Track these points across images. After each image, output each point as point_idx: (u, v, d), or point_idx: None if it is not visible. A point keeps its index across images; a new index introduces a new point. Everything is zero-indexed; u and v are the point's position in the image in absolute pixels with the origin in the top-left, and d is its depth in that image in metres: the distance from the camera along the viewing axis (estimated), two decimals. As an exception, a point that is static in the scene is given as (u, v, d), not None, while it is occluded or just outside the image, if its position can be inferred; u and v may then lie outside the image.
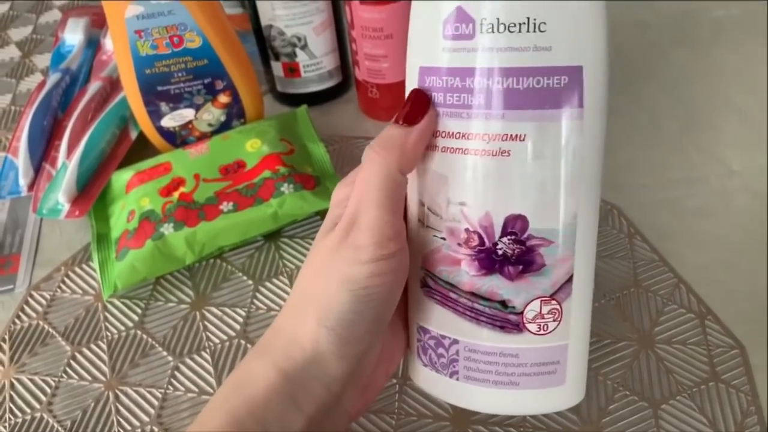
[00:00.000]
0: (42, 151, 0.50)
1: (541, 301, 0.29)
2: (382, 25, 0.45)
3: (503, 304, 0.29)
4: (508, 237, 0.28)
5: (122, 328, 0.40)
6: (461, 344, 0.30)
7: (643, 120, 0.49)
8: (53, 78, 0.55)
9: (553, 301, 0.29)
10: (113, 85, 0.54)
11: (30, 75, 0.61)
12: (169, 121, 0.47)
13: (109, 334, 0.40)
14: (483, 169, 0.27)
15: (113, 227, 0.44)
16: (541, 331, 0.29)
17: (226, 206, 0.42)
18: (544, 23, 0.24)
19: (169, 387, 0.37)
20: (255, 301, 0.41)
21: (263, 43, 0.49)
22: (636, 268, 0.40)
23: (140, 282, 0.41)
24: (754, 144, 0.47)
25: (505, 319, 0.29)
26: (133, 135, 0.49)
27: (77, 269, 0.44)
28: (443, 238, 0.29)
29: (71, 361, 0.39)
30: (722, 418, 0.33)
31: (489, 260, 0.28)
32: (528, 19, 0.24)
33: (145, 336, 0.39)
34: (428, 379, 0.31)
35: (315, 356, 0.26)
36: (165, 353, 0.39)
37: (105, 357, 0.39)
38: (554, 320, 0.29)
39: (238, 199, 0.42)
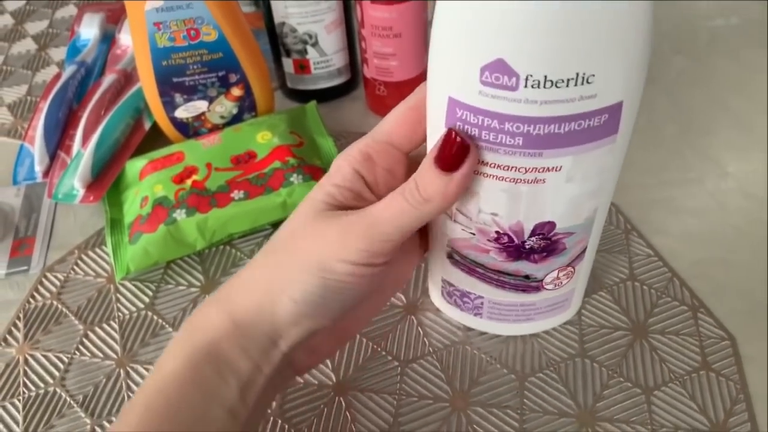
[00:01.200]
0: (57, 140, 0.52)
1: (559, 270, 0.33)
2: (392, 24, 0.46)
3: (527, 277, 0.33)
4: (537, 236, 0.31)
5: (133, 309, 0.41)
6: (485, 299, 0.35)
7: (642, 122, 0.51)
8: (69, 70, 0.57)
9: (569, 268, 0.33)
10: (127, 77, 0.56)
11: (46, 67, 0.63)
12: (183, 113, 0.48)
13: (120, 314, 0.41)
14: (516, 191, 0.28)
15: (127, 213, 0.45)
16: (556, 288, 0.35)
17: (237, 194, 0.43)
18: (593, 75, 0.24)
19: (179, 365, 0.38)
20: (263, 286, 0.42)
21: (275, 40, 0.51)
22: (632, 263, 0.41)
23: (152, 265, 0.43)
24: (749, 147, 0.48)
25: (527, 286, 0.34)
26: (147, 125, 0.51)
27: (90, 252, 0.45)
28: (472, 234, 0.31)
29: (84, 339, 0.40)
30: (712, 405, 0.34)
31: (517, 252, 0.31)
32: (577, 74, 0.24)
33: (155, 317, 0.41)
34: (452, 312, 0.38)
35: (271, 317, 0.27)
36: (174, 333, 0.40)
37: (117, 336, 0.40)
38: (567, 278, 0.34)
39: (249, 188, 0.44)
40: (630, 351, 0.37)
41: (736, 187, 0.45)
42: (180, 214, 0.42)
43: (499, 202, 0.29)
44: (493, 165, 0.27)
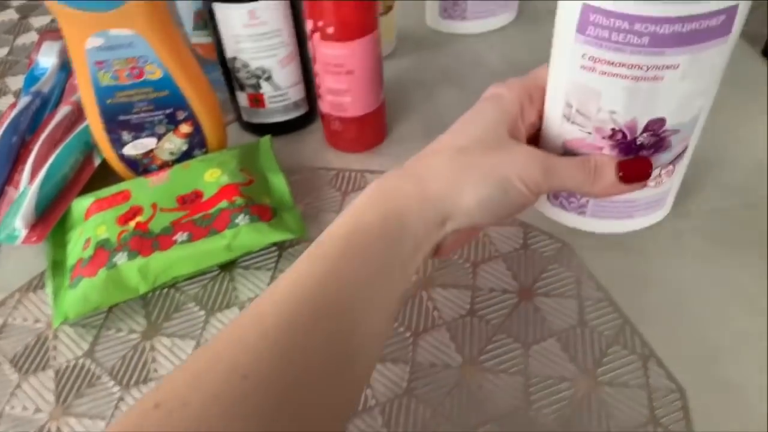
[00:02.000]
0: (7, 174, 0.50)
1: (661, 168, 0.37)
2: (343, 62, 0.46)
3: None
4: (648, 133, 0.35)
5: (71, 356, 0.40)
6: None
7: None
8: (23, 101, 0.56)
9: (670, 166, 0.38)
10: (81, 110, 0.55)
11: (2, 97, 0.62)
12: (131, 150, 0.47)
13: (57, 363, 0.40)
14: (636, 89, 0.33)
15: (69, 254, 0.44)
16: (657, 185, 0.39)
17: (180, 236, 0.42)
18: None
19: (113, 418, 0.37)
20: (205, 332, 0.41)
21: (229, 74, 0.50)
22: (583, 307, 0.40)
23: (92, 311, 0.41)
24: (707, 187, 0.47)
25: None
26: (97, 162, 0.50)
27: (32, 295, 0.44)
28: (589, 133, 0.36)
29: (16, 391, 0.39)
30: (658, 462, 0.33)
31: (628, 148, 0.36)
32: None
33: (93, 365, 0.39)
34: (555, 213, 0.42)
35: (452, 202, 0.32)
36: (112, 383, 0.39)
37: (52, 386, 0.39)
38: (668, 176, 0.38)
39: (193, 230, 0.43)
40: (577, 404, 0.36)
41: (694, 227, 0.45)
42: (121, 258, 0.41)
43: (619, 100, 0.33)
44: (618, 64, 0.32)
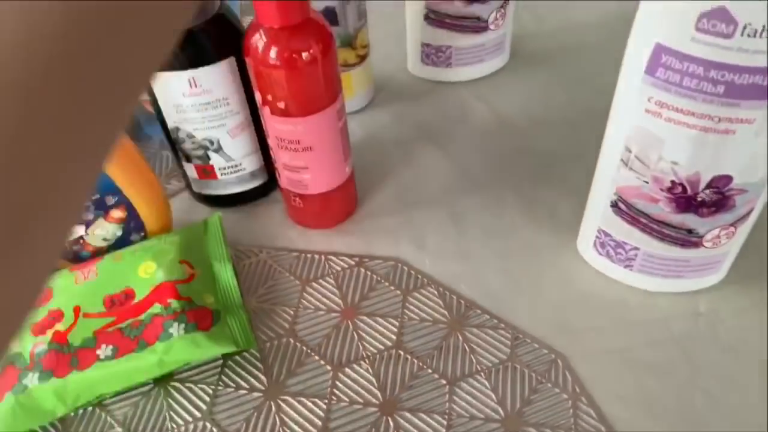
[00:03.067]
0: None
1: (721, 228, 0.35)
2: (300, 138, 0.39)
3: (689, 231, 0.35)
4: (711, 189, 0.32)
5: (-30, 500, 0.34)
6: (641, 251, 0.37)
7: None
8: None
9: (731, 227, 0.35)
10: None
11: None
12: (56, 237, 0.41)
13: (-47, 508, 0.34)
14: (704, 141, 0.30)
15: (-22, 367, 0.38)
16: (714, 246, 0.36)
17: (103, 351, 0.36)
18: None
19: None
20: (131, 468, 0.35)
21: (173, 143, 0.44)
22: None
23: (-1, 440, 0.35)
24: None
25: (687, 240, 0.36)
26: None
27: (-65, 413, 0.38)
28: (646, 182, 0.34)
29: None
30: None
31: (687, 204, 0.34)
32: None
33: None
34: (601, 264, 0.40)
35: None
36: None
37: None
38: (727, 238, 0.36)
39: (119, 342, 0.36)
40: None
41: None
42: (32, 380, 0.35)
43: (683, 151, 0.31)
44: (687, 112, 0.30)
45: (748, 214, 0.35)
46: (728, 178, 0.32)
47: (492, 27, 0.54)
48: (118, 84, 0.15)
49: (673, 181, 0.33)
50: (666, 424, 0.34)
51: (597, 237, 0.39)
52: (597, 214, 0.39)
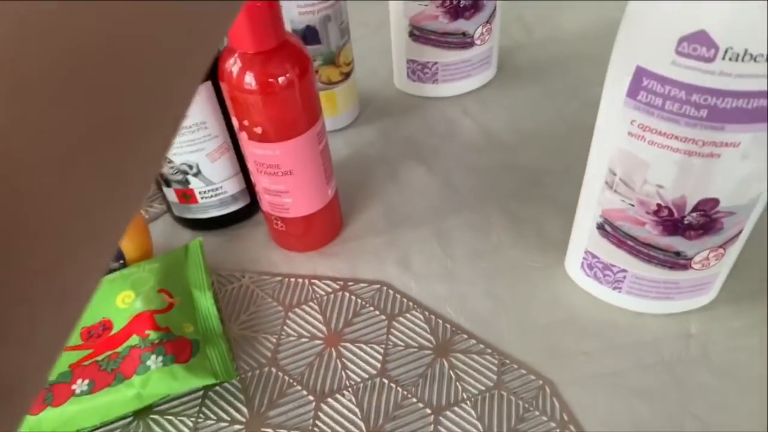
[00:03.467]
0: None
1: (710, 250, 0.34)
2: (279, 162, 0.38)
3: (677, 254, 0.34)
4: (698, 212, 0.32)
5: None
6: (629, 273, 0.36)
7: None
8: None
9: (720, 249, 0.34)
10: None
11: None
12: (33, 266, 0.40)
13: None
14: (689, 165, 0.30)
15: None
16: (703, 268, 0.35)
17: (79, 386, 0.35)
18: None
19: None
20: (108, 506, 0.34)
21: (153, 168, 0.43)
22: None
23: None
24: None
25: (675, 263, 0.35)
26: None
27: None
28: (631, 205, 0.33)
29: None
30: None
31: (674, 227, 0.33)
32: None
33: None
34: (589, 285, 0.40)
35: None
36: None
37: None
38: (717, 260, 0.35)
39: (96, 375, 0.35)
40: None
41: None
42: (5, 417, 0.34)
43: (668, 174, 0.31)
44: (670, 136, 0.29)
45: (737, 235, 0.34)
46: (715, 201, 0.31)
47: (478, 42, 0.53)
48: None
49: (659, 204, 0.32)
50: (656, 452, 0.33)
51: (584, 259, 0.39)
52: (583, 235, 0.38)
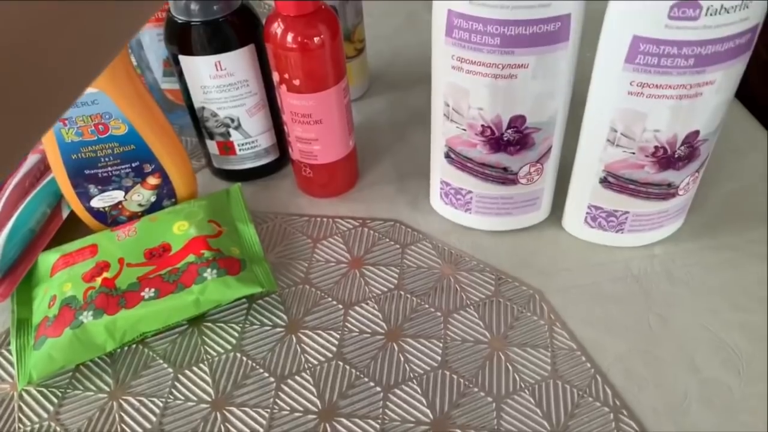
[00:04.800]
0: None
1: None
2: (311, 112, 0.46)
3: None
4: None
5: (36, 420, 0.39)
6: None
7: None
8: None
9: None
10: (50, 158, 0.54)
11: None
12: (99, 202, 0.47)
13: (21, 425, 0.39)
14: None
15: (35, 312, 0.43)
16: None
17: (147, 293, 0.42)
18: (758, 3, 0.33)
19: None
20: (174, 390, 0.40)
21: (198, 122, 0.50)
22: (555, 357, 0.40)
23: (58, 370, 0.41)
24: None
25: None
26: (65, 213, 0.49)
27: (-3, 355, 0.43)
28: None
29: (-22, 459, 0.38)
30: None
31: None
32: (742, 3, 0.32)
33: (59, 429, 0.39)
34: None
35: None
36: (77, 448, 0.38)
37: (14, 452, 0.38)
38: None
39: (160, 285, 0.42)
40: (547, 460, 0.36)
41: (663, 269, 0.45)
42: (87, 317, 0.41)
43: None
44: (665, 86, 0.36)
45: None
46: (523, 118, 0.39)
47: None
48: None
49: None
50: (625, 341, 0.41)
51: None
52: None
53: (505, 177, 0.43)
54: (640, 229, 0.44)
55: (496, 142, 0.41)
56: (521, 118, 0.40)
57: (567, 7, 0.35)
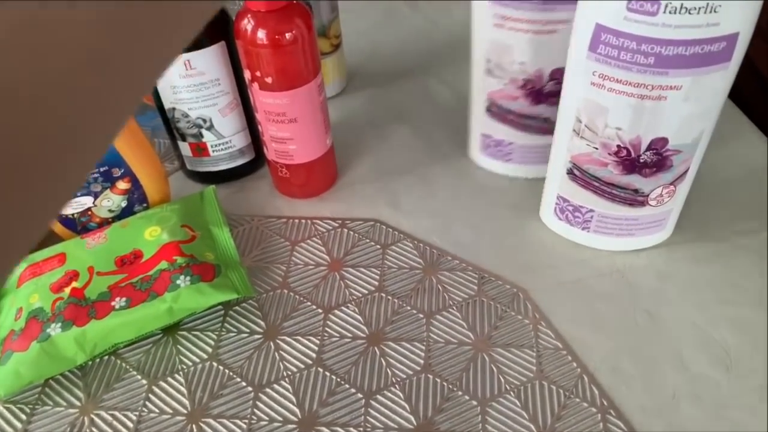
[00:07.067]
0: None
1: (663, 187, 0.40)
2: (285, 110, 0.44)
3: (635, 191, 0.40)
4: (651, 151, 0.38)
5: (3, 438, 0.38)
6: (596, 212, 0.42)
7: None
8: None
9: (672, 186, 0.40)
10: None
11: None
12: (67, 209, 0.45)
13: (-12, 445, 0.37)
14: (641, 107, 0.36)
15: (1, 326, 0.41)
16: (658, 205, 0.41)
17: (118, 302, 0.40)
18: (720, 5, 0.31)
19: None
20: (148, 403, 0.39)
21: (169, 123, 0.48)
22: (540, 357, 0.39)
23: (26, 386, 0.39)
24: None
25: (634, 200, 0.41)
26: (32, 221, 0.47)
27: (-38, 370, 0.41)
28: (596, 148, 0.39)
29: (-59, 481, 0.36)
30: None
31: (632, 165, 0.39)
32: (707, 4, 0.31)
33: (27, 447, 0.37)
34: (561, 228, 0.45)
35: None
36: (46, 466, 0.36)
37: (-19, 473, 0.36)
38: (669, 196, 0.41)
39: (132, 294, 0.40)
40: (534, 464, 0.35)
41: (649, 264, 0.44)
42: (55, 329, 0.39)
43: (625, 117, 0.36)
44: (625, 82, 0.35)
45: (685, 173, 0.40)
46: (665, 140, 0.37)
47: None
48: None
49: (618, 146, 0.38)
50: (612, 339, 0.40)
51: (557, 204, 0.44)
52: (555, 182, 0.43)
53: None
54: (608, 233, 0.43)
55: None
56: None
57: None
